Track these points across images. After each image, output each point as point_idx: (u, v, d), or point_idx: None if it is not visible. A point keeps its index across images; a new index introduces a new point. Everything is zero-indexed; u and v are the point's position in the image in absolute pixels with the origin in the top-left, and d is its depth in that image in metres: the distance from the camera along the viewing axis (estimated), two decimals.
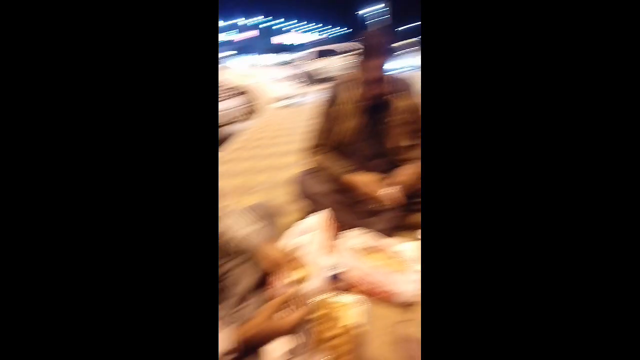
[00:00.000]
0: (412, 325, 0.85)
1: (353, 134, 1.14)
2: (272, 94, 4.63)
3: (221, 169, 2.28)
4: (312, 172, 1.23)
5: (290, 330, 0.63)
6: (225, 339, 0.58)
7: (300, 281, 0.77)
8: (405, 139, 1.12)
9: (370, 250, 1.04)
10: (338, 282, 0.97)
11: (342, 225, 1.14)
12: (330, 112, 1.17)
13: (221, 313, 0.72)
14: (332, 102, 1.17)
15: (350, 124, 1.14)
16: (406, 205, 1.09)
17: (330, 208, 1.14)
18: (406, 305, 0.90)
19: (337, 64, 7.71)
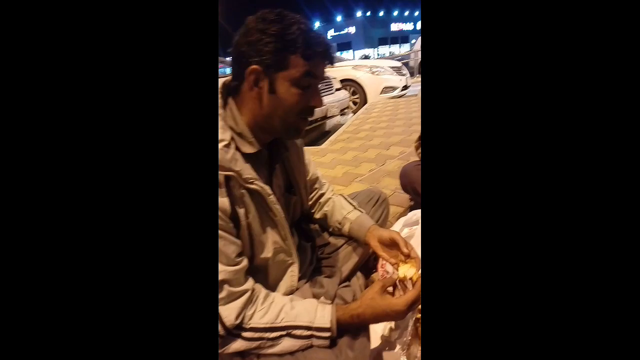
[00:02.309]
0: None
1: None
2: (380, 86, 4.58)
3: (327, 157, 2.39)
4: (418, 164, 1.17)
5: (395, 315, 0.62)
6: (322, 314, 0.59)
7: (406, 269, 0.75)
8: None
9: None
10: None
11: None
12: None
13: (322, 289, 0.75)
14: None
15: None
16: None
17: None
18: None
19: None
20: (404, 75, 4.95)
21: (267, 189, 0.60)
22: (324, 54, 0.58)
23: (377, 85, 4.57)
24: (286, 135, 0.64)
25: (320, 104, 0.61)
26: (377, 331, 0.74)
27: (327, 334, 0.58)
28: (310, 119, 0.63)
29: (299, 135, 0.65)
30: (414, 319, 0.72)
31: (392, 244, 0.76)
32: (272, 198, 0.61)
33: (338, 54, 21.20)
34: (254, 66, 0.55)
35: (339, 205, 0.86)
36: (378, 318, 0.63)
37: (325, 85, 3.54)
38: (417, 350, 0.71)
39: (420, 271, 0.76)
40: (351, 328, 0.61)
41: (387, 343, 0.73)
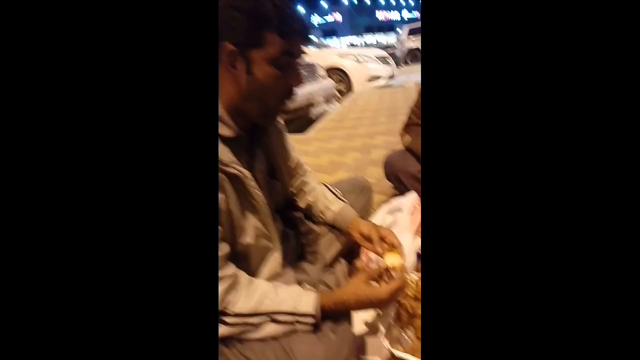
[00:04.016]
0: None
1: None
2: (366, 75, 4.57)
3: (312, 146, 2.38)
4: (404, 152, 1.19)
5: (379, 303, 0.63)
6: (306, 301, 0.59)
7: (390, 257, 0.77)
8: None
9: None
10: None
11: None
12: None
13: (306, 276, 0.75)
14: None
15: None
16: None
17: (418, 187, 1.09)
18: None
19: None
20: (390, 64, 4.94)
21: (247, 173, 0.59)
22: (302, 32, 0.57)
23: (363, 74, 4.56)
24: (265, 119, 0.63)
25: (300, 83, 0.60)
26: (361, 316, 0.76)
27: (311, 320, 0.59)
28: (294, 106, 0.63)
29: (278, 120, 0.64)
30: (396, 304, 0.73)
31: (374, 237, 0.76)
32: (252, 183, 0.60)
33: (324, 41, 20.95)
34: (229, 46, 0.53)
35: (322, 195, 0.86)
36: (362, 306, 0.64)
37: (310, 73, 3.49)
38: (399, 334, 0.73)
39: (403, 259, 0.78)
40: (335, 314, 0.62)
41: (370, 328, 0.75)
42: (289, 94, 0.60)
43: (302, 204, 0.87)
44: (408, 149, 1.17)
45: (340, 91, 4.48)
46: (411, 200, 1.07)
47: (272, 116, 0.62)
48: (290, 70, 0.57)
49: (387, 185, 1.20)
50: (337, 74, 4.47)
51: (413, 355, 0.68)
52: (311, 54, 4.41)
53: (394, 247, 0.75)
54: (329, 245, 0.85)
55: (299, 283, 0.68)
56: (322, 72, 3.82)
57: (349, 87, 4.52)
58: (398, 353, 0.69)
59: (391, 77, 4.88)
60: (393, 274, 0.69)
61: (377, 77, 4.63)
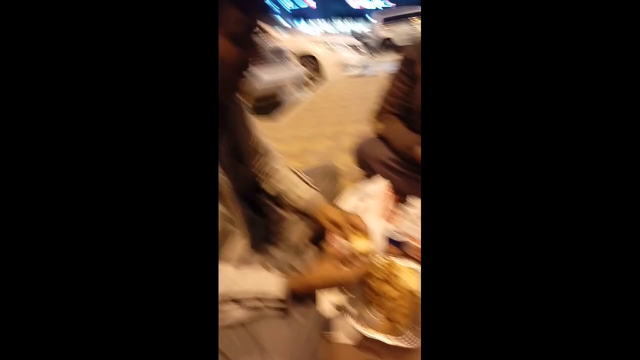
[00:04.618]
0: None
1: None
2: (339, 63, 4.54)
3: (284, 133, 2.35)
4: (375, 140, 1.20)
5: (346, 285, 0.64)
6: (274, 285, 0.60)
7: (358, 242, 0.78)
8: None
9: None
10: (399, 248, 0.97)
11: (404, 193, 1.11)
12: (402, 78, 1.11)
13: (274, 261, 0.75)
14: (406, 67, 1.10)
15: (420, 89, 1.06)
16: None
17: (390, 176, 1.11)
18: None
19: (406, 30, 7.21)
20: (363, 53, 4.94)
21: None
22: (262, 8, 0.56)
23: (335, 62, 4.53)
24: (224, 95, 0.61)
25: (260, 60, 0.59)
26: (329, 298, 0.77)
27: (280, 305, 0.59)
28: (262, 91, 0.61)
29: (240, 98, 0.63)
30: (365, 287, 0.75)
31: (342, 221, 0.78)
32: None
33: (296, 26, 20.51)
34: None
35: (292, 182, 0.85)
36: (330, 288, 0.65)
37: (280, 59, 3.42)
38: (367, 315, 0.74)
39: (371, 244, 0.79)
40: (303, 298, 0.62)
41: (339, 310, 0.76)
42: (248, 68, 0.59)
43: (272, 191, 0.86)
44: (380, 137, 1.19)
45: (311, 78, 4.43)
46: (380, 186, 1.09)
47: (232, 92, 0.61)
48: (249, 46, 0.56)
49: (358, 172, 1.21)
50: (310, 61, 4.41)
51: (382, 334, 0.71)
52: (282, 39, 4.32)
53: (363, 232, 0.77)
54: (297, 231, 0.85)
55: (268, 268, 0.68)
56: (293, 58, 3.75)
57: (321, 75, 4.48)
58: (367, 332, 0.71)
59: (364, 66, 4.89)
60: (361, 258, 0.70)
61: (350, 66, 4.62)
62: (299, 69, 3.75)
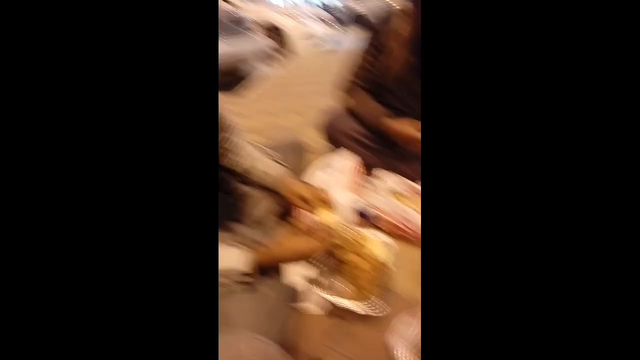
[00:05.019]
0: None
1: (396, 74, 1.06)
2: (308, 37, 4.40)
3: (250, 109, 2.26)
4: (344, 114, 1.18)
5: (314, 257, 0.64)
6: (241, 261, 0.59)
7: (325, 216, 0.78)
8: None
9: (401, 193, 1.02)
10: (366, 220, 0.98)
11: (372, 167, 1.11)
12: (373, 52, 1.08)
13: (239, 236, 0.74)
14: (376, 41, 1.07)
15: (393, 63, 1.04)
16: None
17: (359, 149, 1.11)
18: None
19: (379, 4, 7.10)
20: (334, 28, 4.82)
21: None
22: None
23: (304, 35, 4.38)
24: None
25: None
26: (298, 271, 0.76)
27: (247, 279, 0.57)
28: (220, 62, 0.57)
29: None
30: (332, 257, 0.75)
31: (308, 196, 0.78)
32: None
33: None
34: None
35: (256, 157, 0.83)
36: (298, 261, 0.64)
37: (241, 28, 3.24)
38: (337, 286, 0.75)
39: (338, 216, 0.79)
40: (271, 271, 0.61)
41: (309, 282, 0.76)
42: None
43: (237, 168, 0.83)
44: (349, 111, 1.17)
45: (278, 51, 4.27)
46: (349, 160, 1.08)
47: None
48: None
49: (327, 147, 1.19)
50: (275, 33, 4.23)
51: (351, 303, 0.72)
52: (245, 8, 4.07)
53: (330, 205, 0.77)
54: (264, 207, 0.83)
55: (233, 244, 0.66)
56: (257, 30, 3.57)
57: (287, 49, 4.32)
58: (337, 301, 0.72)
59: (335, 40, 4.78)
60: (328, 230, 0.70)
61: (320, 40, 4.50)
62: (263, 42, 3.58)
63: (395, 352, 0.61)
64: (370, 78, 1.11)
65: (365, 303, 0.72)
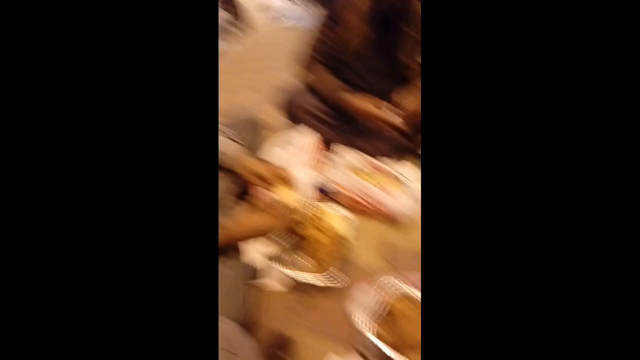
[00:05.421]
0: (400, 239, 0.89)
1: (354, 49, 1.04)
2: (267, 11, 4.21)
3: None
4: (303, 88, 1.15)
5: (273, 234, 0.63)
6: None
7: (284, 193, 0.77)
8: (417, 56, 1.02)
9: (360, 169, 1.04)
10: (326, 196, 0.99)
11: (331, 143, 1.11)
12: (332, 27, 1.05)
13: None
14: (336, 15, 1.04)
15: (352, 37, 1.03)
16: (404, 130, 1.05)
17: (318, 126, 1.10)
18: (395, 220, 0.93)
19: None
20: (294, 2, 4.64)
21: None
22: None
23: (260, 7, 4.18)
24: None
25: None
26: (258, 249, 0.76)
27: None
28: None
29: None
30: (293, 234, 0.76)
31: (266, 173, 0.77)
32: None
33: None
34: None
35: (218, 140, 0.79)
36: (256, 238, 0.64)
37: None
38: (298, 261, 0.76)
39: (297, 193, 0.79)
40: (229, 251, 0.60)
41: (270, 259, 0.76)
42: None
43: None
44: (309, 87, 1.15)
45: (233, 24, 4.05)
46: (309, 137, 1.07)
47: None
48: None
49: (286, 123, 1.17)
50: (233, 6, 3.99)
51: (312, 276, 0.73)
52: None
53: (288, 183, 0.77)
54: (221, 187, 0.81)
55: None
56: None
57: (244, 23, 4.11)
58: (298, 276, 0.73)
59: (294, 15, 4.61)
60: (287, 207, 0.70)
61: (277, 13, 4.32)
62: (221, 14, 3.37)
63: (353, 319, 0.64)
64: (328, 52, 1.09)
65: (325, 275, 0.74)
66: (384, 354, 0.59)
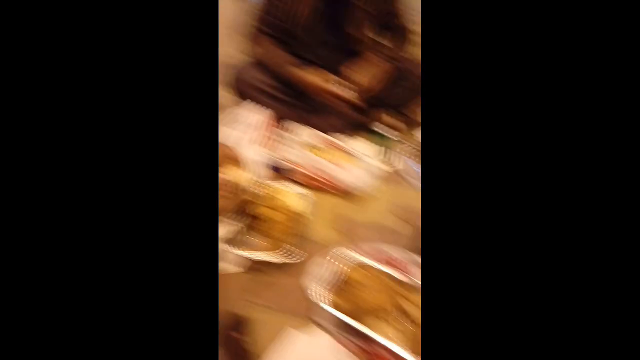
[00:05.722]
0: (355, 212, 0.90)
1: (304, 21, 1.00)
2: None
3: None
4: (251, 63, 1.10)
5: (224, 215, 0.61)
6: None
7: (233, 173, 0.74)
8: (368, 29, 1.00)
9: (313, 145, 1.03)
10: (280, 174, 0.97)
11: (282, 120, 1.09)
12: None
13: None
14: None
15: (300, 10, 0.98)
16: (358, 105, 1.04)
17: (268, 102, 1.06)
18: (350, 194, 0.94)
19: None
20: None
21: None
22: None
23: None
24: None
25: None
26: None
27: None
28: None
29: None
30: (246, 214, 0.73)
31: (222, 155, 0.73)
32: None
33: None
34: None
35: None
36: None
37: None
38: (253, 241, 0.75)
39: (248, 172, 0.77)
40: None
41: (224, 242, 0.74)
42: None
43: None
44: (257, 61, 1.09)
45: None
46: (259, 114, 1.03)
47: None
48: None
49: (234, 100, 1.12)
50: None
51: (269, 255, 0.72)
52: None
53: (236, 162, 0.74)
54: None
55: None
56: None
57: None
58: (254, 256, 0.72)
59: None
60: (237, 186, 0.67)
61: None
62: None
63: (309, 292, 0.64)
64: (277, 25, 1.04)
65: (280, 252, 0.73)
66: (341, 321, 0.61)
